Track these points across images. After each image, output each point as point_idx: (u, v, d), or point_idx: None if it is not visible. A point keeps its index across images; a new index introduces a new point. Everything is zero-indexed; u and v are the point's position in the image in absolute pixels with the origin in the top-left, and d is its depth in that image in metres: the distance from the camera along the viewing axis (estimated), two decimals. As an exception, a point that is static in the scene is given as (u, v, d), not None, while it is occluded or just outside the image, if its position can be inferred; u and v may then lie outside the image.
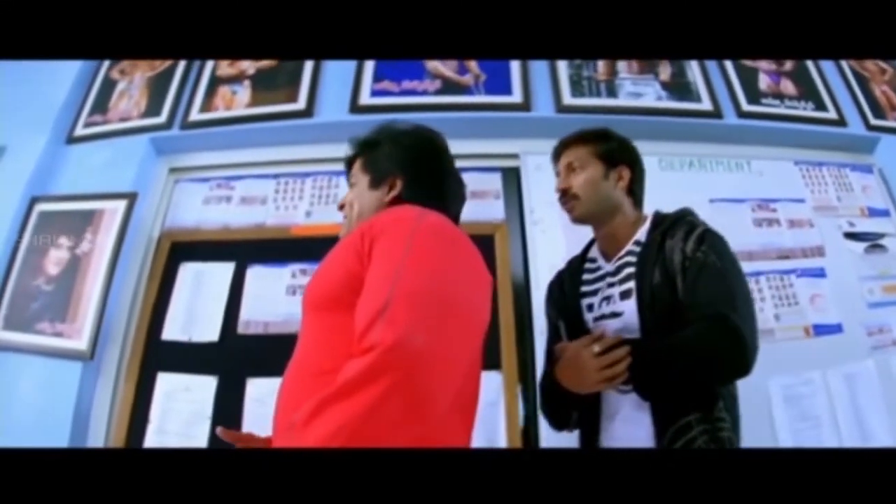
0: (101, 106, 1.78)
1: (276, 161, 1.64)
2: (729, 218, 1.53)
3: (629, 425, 0.87)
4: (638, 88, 1.61)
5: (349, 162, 0.91)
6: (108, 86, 1.81)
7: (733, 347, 0.77)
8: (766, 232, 1.53)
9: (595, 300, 0.97)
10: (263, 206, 1.60)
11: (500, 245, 1.49)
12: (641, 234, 0.96)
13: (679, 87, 1.61)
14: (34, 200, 1.68)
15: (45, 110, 1.78)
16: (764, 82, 1.66)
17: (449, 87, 1.60)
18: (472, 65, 1.63)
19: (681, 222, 0.92)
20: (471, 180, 1.59)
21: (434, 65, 1.63)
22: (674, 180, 1.56)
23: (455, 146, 1.62)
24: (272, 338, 1.43)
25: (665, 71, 1.64)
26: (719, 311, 0.78)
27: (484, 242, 1.51)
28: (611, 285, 0.94)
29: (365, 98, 1.59)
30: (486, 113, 1.57)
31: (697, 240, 0.87)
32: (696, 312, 0.81)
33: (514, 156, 1.59)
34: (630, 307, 0.89)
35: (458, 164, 1.62)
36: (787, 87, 1.65)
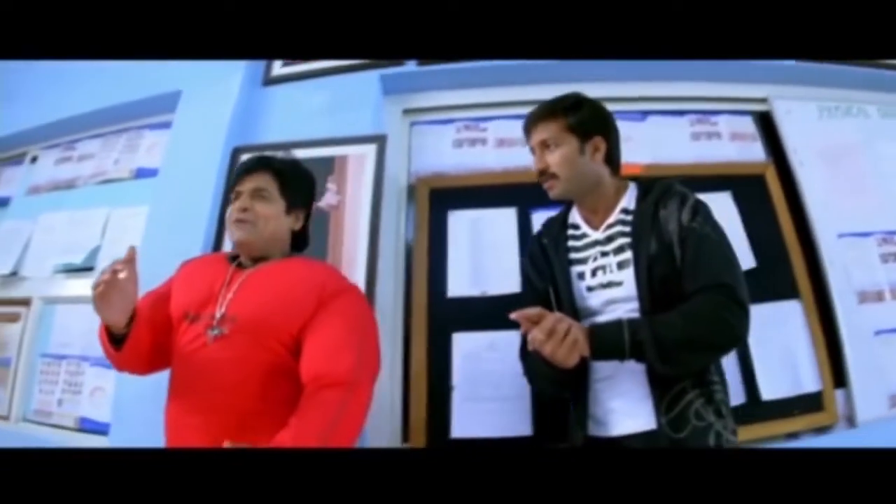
0: (302, 40, 1.52)
1: (528, 101, 1.51)
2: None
3: (626, 398, 0.89)
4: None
5: (251, 170, 0.99)
6: (307, 17, 1.56)
7: (740, 318, 0.81)
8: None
9: (586, 268, 0.97)
10: (525, 148, 1.46)
11: (772, 184, 1.49)
12: (628, 201, 0.97)
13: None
14: (237, 151, 1.40)
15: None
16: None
17: (698, 29, 1.58)
18: (714, 10, 1.62)
19: (672, 192, 0.94)
20: (727, 123, 1.61)
21: (678, 7, 1.60)
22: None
23: (703, 89, 1.64)
24: (582, 285, 1.32)
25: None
26: (724, 282, 0.82)
27: (753, 182, 1.52)
28: (604, 254, 0.95)
29: (621, 38, 1.52)
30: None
31: (692, 210, 0.90)
32: (698, 283, 0.84)
33: (762, 100, 1.61)
34: (629, 276, 0.90)
35: (711, 106, 1.62)
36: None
